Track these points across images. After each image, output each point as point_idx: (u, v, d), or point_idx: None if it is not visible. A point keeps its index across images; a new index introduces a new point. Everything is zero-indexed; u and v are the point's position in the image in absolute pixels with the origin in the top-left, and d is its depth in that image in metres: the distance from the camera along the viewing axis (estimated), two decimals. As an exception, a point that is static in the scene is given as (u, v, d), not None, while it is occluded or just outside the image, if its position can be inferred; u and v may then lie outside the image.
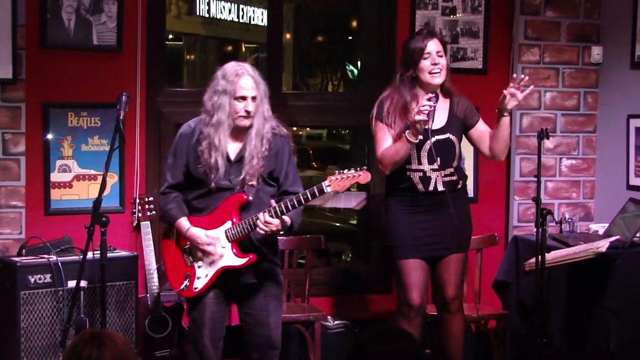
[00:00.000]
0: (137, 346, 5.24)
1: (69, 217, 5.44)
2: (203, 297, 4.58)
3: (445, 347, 5.09)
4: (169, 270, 4.69)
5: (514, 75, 4.95)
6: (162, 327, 5.39)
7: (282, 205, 4.34)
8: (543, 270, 4.81)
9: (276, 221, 4.37)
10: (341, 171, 4.36)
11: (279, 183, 4.60)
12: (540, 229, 4.79)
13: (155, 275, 5.37)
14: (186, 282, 4.58)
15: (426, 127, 4.67)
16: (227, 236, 4.49)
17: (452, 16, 6.09)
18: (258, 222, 4.37)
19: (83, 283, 4.75)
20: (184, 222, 4.55)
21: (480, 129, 5.01)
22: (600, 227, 5.67)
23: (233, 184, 4.49)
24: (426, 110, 4.60)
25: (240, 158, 4.49)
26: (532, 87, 4.95)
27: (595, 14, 6.23)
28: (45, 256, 5.02)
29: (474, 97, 5.16)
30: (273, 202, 4.39)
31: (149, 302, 5.35)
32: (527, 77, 4.83)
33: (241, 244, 4.50)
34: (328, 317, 5.85)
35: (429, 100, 4.65)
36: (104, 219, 4.46)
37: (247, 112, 4.43)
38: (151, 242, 5.40)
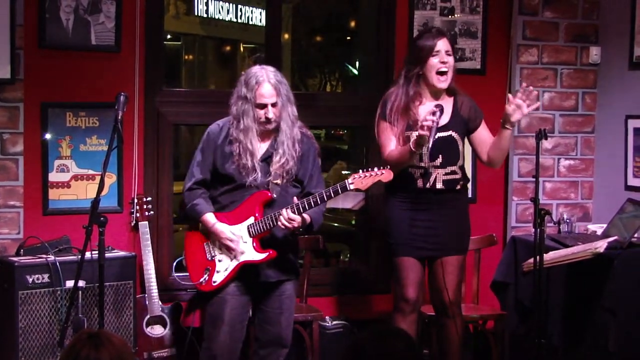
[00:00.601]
0: (135, 346, 5.24)
1: (67, 217, 5.44)
2: (222, 292, 4.67)
3: (444, 350, 5.09)
4: (190, 263, 4.80)
5: (524, 84, 4.94)
6: (160, 327, 5.39)
7: (305, 202, 4.47)
8: (541, 271, 4.81)
9: (298, 218, 4.48)
10: (364, 169, 4.48)
11: (302, 185, 4.71)
12: (538, 230, 4.78)
13: (154, 275, 5.36)
14: (205, 276, 4.69)
15: (427, 143, 4.67)
16: (249, 232, 4.61)
17: (450, 17, 6.09)
18: (280, 217, 4.46)
19: (81, 283, 4.75)
20: (210, 217, 4.68)
21: (482, 134, 5.01)
22: (598, 228, 5.67)
23: (258, 183, 4.61)
24: (429, 124, 4.60)
25: (266, 157, 4.63)
26: (538, 103, 4.95)
27: (593, 15, 6.23)
28: (43, 256, 5.01)
29: (472, 98, 5.16)
30: (296, 199, 4.51)
31: (147, 302, 5.35)
32: (535, 92, 4.84)
33: (262, 241, 4.60)
34: (326, 317, 5.85)
35: (432, 114, 4.64)
36: (102, 219, 4.46)
37: (267, 118, 4.57)
38: (149, 242, 5.40)
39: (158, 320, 5.39)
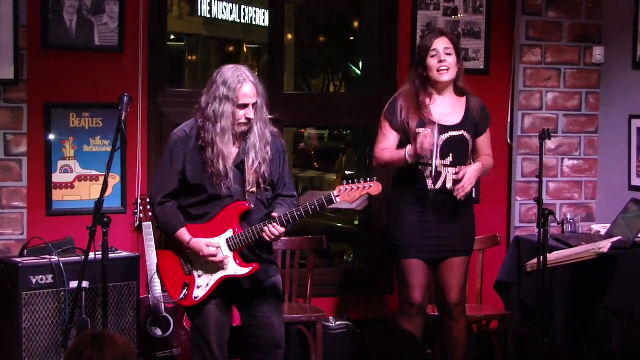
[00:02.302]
0: (139, 347, 5.24)
1: (71, 217, 5.44)
2: (205, 305, 4.51)
3: (448, 352, 5.08)
4: (166, 279, 4.60)
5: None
6: (164, 328, 5.39)
7: (289, 216, 4.30)
8: (545, 271, 4.81)
9: (282, 230, 4.33)
10: (351, 181, 4.32)
11: (273, 186, 4.52)
12: (542, 230, 4.78)
13: (157, 276, 5.36)
14: (185, 292, 4.49)
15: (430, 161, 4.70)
16: (229, 245, 4.42)
17: (453, 17, 6.09)
18: (266, 231, 4.32)
19: (85, 284, 4.74)
20: (184, 234, 4.44)
21: (482, 140, 5.01)
22: (602, 228, 5.67)
23: (232, 192, 4.40)
24: (428, 147, 4.61)
25: (238, 164, 4.42)
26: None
27: (596, 15, 6.23)
28: (47, 257, 5.02)
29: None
30: (275, 214, 4.35)
31: (151, 303, 5.35)
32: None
33: (241, 253, 4.45)
34: (330, 317, 5.84)
35: (431, 131, 4.65)
36: (105, 219, 4.46)
37: (248, 119, 4.36)
38: (153, 242, 5.40)
39: (162, 321, 5.39)
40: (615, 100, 6.11)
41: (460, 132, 4.87)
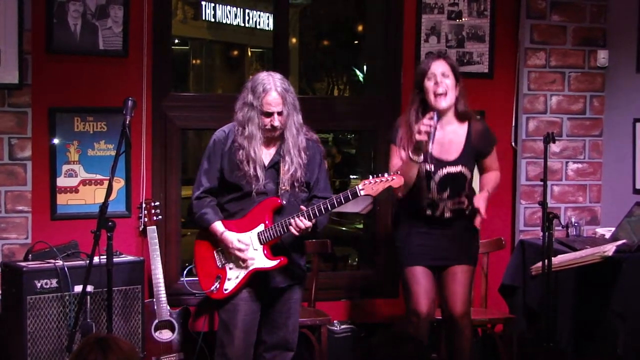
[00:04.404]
0: (143, 351, 5.24)
1: (75, 221, 5.45)
2: (234, 299, 4.66)
3: (453, 358, 5.07)
4: (200, 271, 4.77)
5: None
6: (169, 332, 5.39)
7: (315, 209, 4.46)
8: (550, 274, 4.80)
9: (309, 224, 4.48)
10: (375, 175, 4.47)
11: (309, 189, 4.69)
12: (546, 233, 4.78)
13: (162, 280, 5.36)
14: (216, 284, 4.66)
15: (427, 148, 4.66)
16: (259, 239, 4.59)
17: (457, 20, 6.09)
18: (292, 223, 4.47)
19: (89, 288, 4.75)
20: (218, 226, 4.65)
21: (485, 163, 5.00)
22: (606, 231, 5.67)
23: (267, 189, 4.60)
24: (425, 129, 4.58)
25: (274, 164, 4.61)
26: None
27: (601, 18, 6.23)
28: (52, 261, 5.02)
29: (479, 102, 5.17)
30: (303, 207, 4.50)
31: (155, 307, 5.35)
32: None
33: (272, 247, 4.59)
34: (334, 321, 5.84)
35: (430, 118, 4.61)
36: (110, 223, 4.46)
37: (273, 126, 4.54)
38: (157, 246, 5.40)
39: (166, 325, 5.39)
40: (619, 104, 6.11)
41: (458, 169, 4.85)
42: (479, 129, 4.92)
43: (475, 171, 5.04)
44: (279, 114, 4.53)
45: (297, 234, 4.50)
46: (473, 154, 4.91)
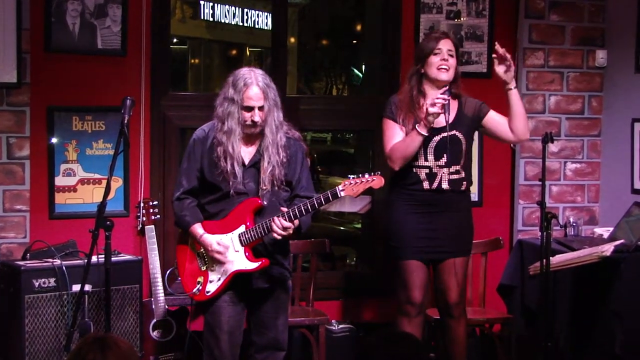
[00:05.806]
0: (141, 350, 5.24)
1: (74, 221, 5.45)
2: (217, 301, 4.60)
3: (449, 352, 5.09)
4: (183, 273, 4.71)
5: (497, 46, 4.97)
6: (167, 331, 5.39)
7: (296, 210, 4.38)
8: (548, 274, 4.80)
9: (291, 225, 4.39)
10: (355, 176, 4.39)
11: (291, 187, 4.62)
12: (544, 233, 4.78)
13: (160, 279, 5.36)
14: (198, 286, 4.60)
15: (444, 121, 4.72)
16: (240, 240, 4.51)
17: (456, 20, 6.09)
18: (273, 226, 4.39)
19: (87, 287, 4.75)
20: (198, 229, 4.57)
21: (494, 117, 5.03)
22: (604, 231, 5.67)
23: (247, 189, 4.52)
24: (440, 102, 4.64)
25: (254, 163, 4.53)
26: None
27: (599, 18, 6.23)
28: (50, 260, 5.02)
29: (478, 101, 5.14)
30: (284, 208, 4.42)
31: (153, 306, 5.35)
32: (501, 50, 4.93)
33: (254, 249, 4.53)
34: (332, 321, 5.84)
35: (442, 93, 4.69)
36: (108, 222, 4.46)
37: (253, 122, 4.46)
38: (155, 246, 5.41)
39: (164, 324, 5.39)
40: (618, 104, 6.11)
41: (453, 132, 4.87)
42: (469, 100, 5.02)
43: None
44: (260, 109, 4.45)
45: (278, 237, 4.42)
46: (467, 122, 4.97)
